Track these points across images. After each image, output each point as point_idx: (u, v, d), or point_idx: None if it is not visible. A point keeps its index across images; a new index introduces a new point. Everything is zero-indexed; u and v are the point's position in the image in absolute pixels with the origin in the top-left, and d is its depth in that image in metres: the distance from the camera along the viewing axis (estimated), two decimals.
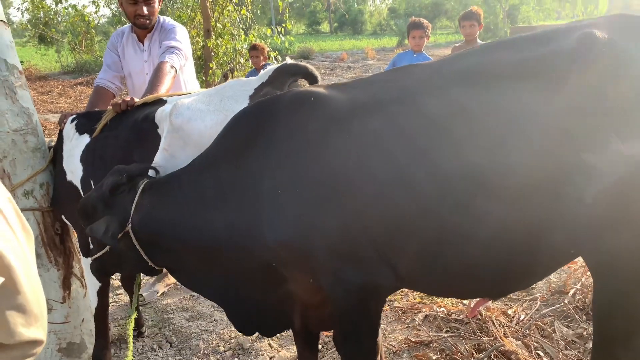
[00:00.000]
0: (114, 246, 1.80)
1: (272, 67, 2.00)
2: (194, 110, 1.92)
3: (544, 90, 1.45)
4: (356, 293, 1.64)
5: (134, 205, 1.80)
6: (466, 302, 3.02)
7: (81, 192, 2.30)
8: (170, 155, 1.96)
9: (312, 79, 1.99)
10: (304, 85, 1.99)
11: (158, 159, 1.99)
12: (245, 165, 1.68)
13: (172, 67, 2.63)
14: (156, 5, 2.90)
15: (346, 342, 1.76)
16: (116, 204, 1.82)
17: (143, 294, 3.44)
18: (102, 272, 2.12)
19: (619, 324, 1.56)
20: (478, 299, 2.01)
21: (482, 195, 1.46)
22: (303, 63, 2.05)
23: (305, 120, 1.63)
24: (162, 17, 3.05)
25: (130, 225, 1.80)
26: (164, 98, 2.23)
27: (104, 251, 1.91)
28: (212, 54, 7.49)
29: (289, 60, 2.12)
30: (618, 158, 1.39)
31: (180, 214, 1.77)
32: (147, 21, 2.90)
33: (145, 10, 2.84)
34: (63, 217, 2.50)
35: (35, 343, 0.75)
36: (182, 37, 2.89)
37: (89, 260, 2.47)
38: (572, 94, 1.42)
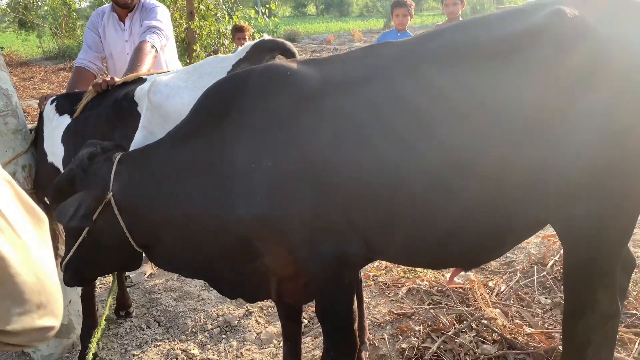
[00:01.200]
0: (89, 225, 1.72)
1: (250, 43, 2.01)
2: (172, 88, 1.93)
3: (514, 66, 1.48)
4: (329, 264, 1.68)
5: (112, 174, 1.76)
6: (448, 275, 3.09)
7: None
8: (150, 132, 1.97)
9: (290, 55, 2.00)
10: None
11: (138, 137, 2.00)
12: (219, 137, 1.69)
13: (152, 46, 2.62)
14: None
15: (323, 312, 1.82)
16: (93, 175, 1.78)
17: (130, 276, 3.46)
18: (77, 276, 1.93)
19: (586, 288, 1.63)
20: (454, 269, 2.07)
21: (452, 169, 1.50)
22: (280, 39, 2.05)
23: (278, 95, 1.65)
24: None
25: (111, 193, 1.76)
26: (144, 77, 2.23)
27: (78, 242, 1.80)
28: (196, 36, 7.42)
29: (266, 36, 2.13)
30: (582, 130, 1.43)
31: (159, 184, 1.77)
32: (129, 1, 2.88)
33: None
34: (45, 199, 2.50)
35: (44, 329, 0.73)
36: (163, 16, 2.88)
37: None
38: (542, 68, 1.46)
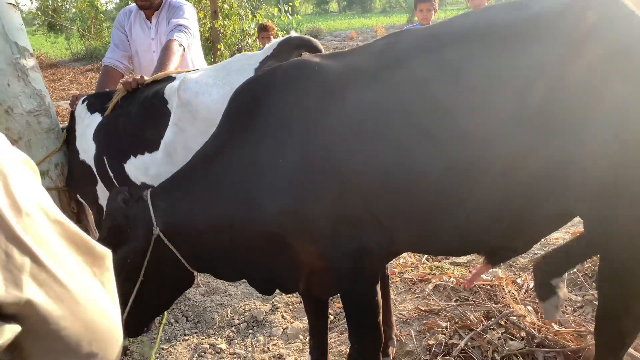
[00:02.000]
0: (144, 260, 1.74)
1: (277, 40, 2.02)
2: (201, 85, 1.96)
3: (538, 49, 1.44)
4: (353, 256, 1.68)
5: (151, 210, 1.78)
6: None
7: (94, 170, 2.36)
8: (180, 129, 2.00)
9: (317, 52, 2.02)
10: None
11: (168, 134, 2.04)
12: (249, 139, 1.71)
13: (180, 45, 2.66)
14: None
15: (348, 305, 1.83)
16: (134, 218, 1.79)
17: None
18: (142, 324, 1.93)
19: (620, 291, 1.57)
20: (478, 268, 2.04)
21: (475, 157, 1.48)
22: (307, 36, 2.07)
23: (302, 89, 1.66)
24: None
25: (157, 228, 1.78)
26: (173, 75, 2.27)
27: (136, 289, 1.79)
28: (220, 35, 7.49)
29: (293, 34, 2.14)
30: (606, 119, 1.37)
31: (200, 204, 1.78)
32: (148, 3, 2.93)
33: None
34: (78, 196, 2.57)
35: None
36: (189, 15, 2.91)
37: None
38: (567, 51, 1.42)
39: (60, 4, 14.52)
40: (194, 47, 3.11)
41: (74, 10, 15.50)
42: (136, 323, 1.89)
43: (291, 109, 1.67)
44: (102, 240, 1.80)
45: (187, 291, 3.35)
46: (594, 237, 1.58)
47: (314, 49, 2.01)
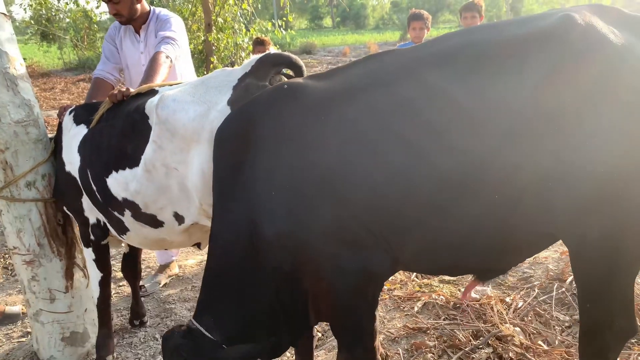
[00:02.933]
0: None
1: (255, 57, 2.01)
2: (178, 102, 1.94)
3: (522, 70, 1.46)
4: (354, 278, 1.66)
5: (205, 334, 1.80)
6: (463, 289, 3.04)
7: (79, 183, 2.33)
8: (159, 146, 1.98)
9: (296, 69, 2.00)
10: (284, 77, 2.00)
11: (148, 150, 2.02)
12: (243, 182, 1.71)
13: (167, 57, 2.65)
14: (127, 2, 2.90)
15: (344, 328, 1.78)
16: (194, 349, 1.80)
17: (145, 285, 3.47)
18: None
19: (602, 308, 1.58)
20: (469, 283, 2.04)
21: (462, 175, 1.48)
22: (286, 53, 2.06)
23: (285, 113, 1.67)
24: (156, 9, 3.08)
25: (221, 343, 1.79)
26: (157, 88, 2.25)
27: None
28: (214, 48, 7.52)
29: (272, 50, 2.14)
30: (591, 139, 1.39)
31: (235, 295, 1.80)
32: (122, 18, 2.95)
33: (114, 10, 2.89)
34: (64, 208, 2.53)
35: None
36: (177, 27, 2.91)
37: (90, 250, 2.52)
38: (550, 73, 1.43)
39: (54, 14, 14.51)
40: (183, 60, 3.11)
41: (67, 20, 15.50)
42: None
43: (278, 136, 1.66)
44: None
45: (173, 305, 3.31)
46: (574, 255, 1.59)
47: (293, 66, 2.00)
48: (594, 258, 1.53)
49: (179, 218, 2.12)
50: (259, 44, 5.52)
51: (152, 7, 3.06)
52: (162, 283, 3.60)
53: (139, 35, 3.06)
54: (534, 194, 1.48)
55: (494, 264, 1.74)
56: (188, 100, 1.95)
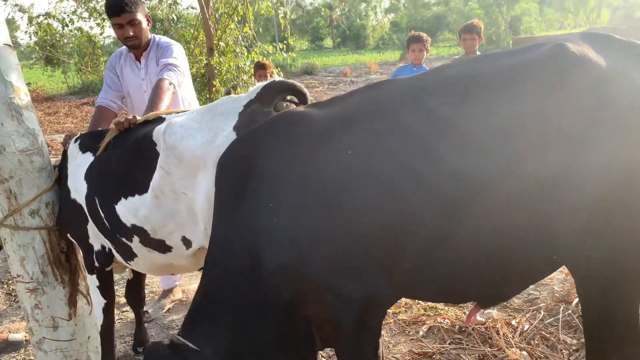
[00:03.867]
0: None
1: (260, 84, 2.05)
2: (186, 129, 1.97)
3: (518, 96, 1.48)
4: (357, 307, 1.65)
5: (195, 346, 1.77)
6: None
7: (85, 210, 2.34)
8: (166, 172, 2.00)
9: (300, 96, 2.03)
10: (288, 103, 2.03)
11: (156, 177, 2.03)
12: (245, 210, 1.71)
13: (170, 83, 2.68)
14: (143, 25, 2.96)
15: (349, 356, 1.77)
16: None
17: (148, 311, 3.46)
18: None
19: (608, 331, 1.57)
20: (472, 308, 2.03)
21: (466, 203, 1.49)
22: (291, 80, 2.09)
23: (286, 145, 1.69)
24: (156, 36, 3.12)
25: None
26: (163, 115, 2.28)
27: None
28: (215, 71, 7.60)
29: (277, 77, 2.17)
30: (587, 163, 1.41)
31: (225, 329, 1.79)
32: (137, 41, 2.97)
33: (131, 32, 2.91)
34: (68, 235, 2.54)
35: None
36: (178, 54, 2.95)
37: (94, 277, 2.52)
38: (545, 98, 1.46)
39: (58, 39, 14.72)
40: (185, 86, 3.15)
41: (71, 45, 15.72)
42: None
43: (280, 164, 1.67)
44: None
45: (176, 331, 3.28)
46: (578, 279, 1.59)
47: (298, 93, 2.03)
48: (598, 282, 1.53)
49: (187, 242, 2.13)
50: (260, 67, 5.59)
51: (152, 35, 3.11)
52: (166, 308, 3.58)
53: (140, 63, 3.10)
54: (535, 218, 1.48)
55: (497, 291, 1.73)
56: (195, 127, 1.97)
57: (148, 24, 3.03)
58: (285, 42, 8.45)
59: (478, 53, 4.70)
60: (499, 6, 32.27)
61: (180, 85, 2.89)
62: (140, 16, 2.93)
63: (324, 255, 1.59)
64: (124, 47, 3.15)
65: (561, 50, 1.49)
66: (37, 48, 16.12)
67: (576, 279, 1.60)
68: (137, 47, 3.02)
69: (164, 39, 3.12)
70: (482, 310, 3.01)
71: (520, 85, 1.49)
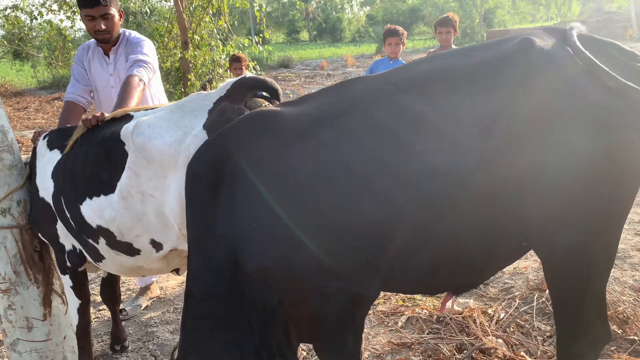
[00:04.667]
0: None
1: (231, 80, 2.00)
2: (154, 128, 1.93)
3: (488, 94, 1.51)
4: (341, 304, 1.65)
5: None
6: (447, 305, 3.07)
7: (53, 209, 2.29)
8: (135, 173, 1.96)
9: (272, 92, 2.00)
10: (260, 100, 1.99)
11: (124, 177, 1.99)
12: (221, 215, 1.69)
13: (140, 80, 2.62)
14: (115, 19, 2.88)
15: (330, 352, 1.76)
16: None
17: (126, 309, 3.41)
18: None
19: (575, 316, 1.63)
20: (445, 296, 2.07)
21: (443, 198, 1.51)
22: (262, 77, 2.07)
23: (261, 146, 1.66)
24: (127, 31, 3.05)
25: None
26: (132, 113, 2.23)
27: None
28: (190, 65, 7.50)
29: (247, 74, 2.15)
30: (554, 154, 1.46)
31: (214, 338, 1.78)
32: (107, 35, 2.89)
33: (103, 25, 2.82)
34: (40, 234, 2.48)
35: None
36: (149, 50, 2.89)
37: (67, 277, 2.48)
38: (514, 91, 1.49)
39: (26, 33, 14.31)
40: (155, 83, 3.09)
41: (41, 39, 15.32)
42: None
43: (255, 165, 1.64)
44: None
45: (155, 329, 3.26)
46: (546, 265, 1.65)
47: (269, 89, 2.00)
48: (565, 267, 1.59)
49: (157, 245, 2.09)
50: (235, 60, 5.54)
51: (122, 29, 3.03)
52: (143, 306, 3.54)
53: (108, 57, 3.02)
54: (510, 207, 1.52)
55: (473, 280, 1.77)
56: (164, 126, 1.93)
57: (120, 19, 2.95)
58: (261, 35, 8.37)
59: (453, 46, 4.74)
60: None
61: (150, 82, 2.84)
62: (114, 10, 2.85)
63: (306, 256, 1.58)
64: (92, 40, 3.06)
65: (528, 43, 1.53)
66: (4, 42, 15.65)
67: (544, 264, 1.64)
68: (107, 42, 2.95)
69: (134, 34, 3.05)
70: (459, 300, 3.06)
71: (492, 80, 1.52)
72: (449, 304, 2.98)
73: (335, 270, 1.60)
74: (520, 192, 1.49)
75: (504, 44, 1.59)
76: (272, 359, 1.80)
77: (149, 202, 1.98)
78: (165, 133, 1.91)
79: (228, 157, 1.69)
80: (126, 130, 2.01)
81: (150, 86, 2.95)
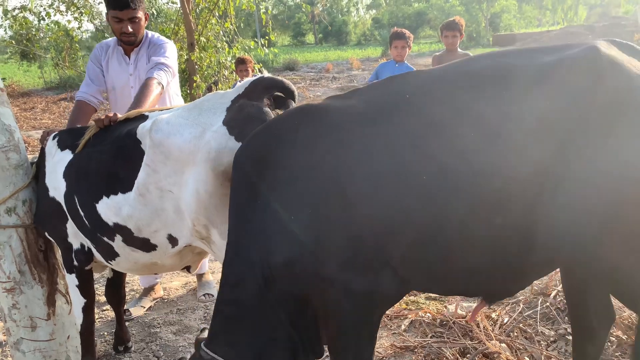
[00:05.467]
0: None
1: (249, 79, 2.03)
2: (172, 125, 1.95)
3: (549, 94, 1.49)
4: (362, 303, 1.65)
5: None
6: (451, 307, 3.06)
7: (64, 208, 2.30)
8: (153, 170, 1.98)
9: (288, 93, 2.02)
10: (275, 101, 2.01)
11: (141, 174, 2.01)
12: (259, 207, 1.68)
13: (159, 83, 2.62)
14: (142, 22, 2.89)
15: (345, 351, 1.76)
16: None
17: (129, 309, 3.42)
18: None
19: (592, 319, 1.63)
20: (476, 305, 2.04)
21: (485, 199, 1.49)
22: (279, 77, 2.08)
23: (306, 140, 1.65)
24: (150, 32, 3.05)
25: None
26: (146, 113, 2.25)
27: None
28: (196, 67, 7.52)
29: (265, 74, 2.16)
30: (614, 166, 1.43)
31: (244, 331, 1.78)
32: (133, 38, 2.90)
33: (130, 28, 2.84)
34: (46, 233, 2.50)
35: None
36: (171, 53, 2.90)
37: (73, 276, 2.49)
38: (578, 99, 1.47)
39: (34, 34, 14.42)
40: (173, 84, 3.11)
41: (48, 39, 15.42)
42: None
43: (298, 159, 1.64)
44: None
45: (158, 329, 3.26)
46: (579, 279, 1.67)
47: (286, 90, 2.02)
48: (598, 279, 1.62)
49: (173, 240, 2.11)
50: (240, 62, 5.58)
51: (146, 31, 3.03)
52: (147, 306, 3.55)
53: (129, 58, 3.03)
54: (548, 218, 1.49)
55: (508, 287, 1.75)
56: (182, 123, 1.95)
57: (145, 21, 2.96)
58: (266, 37, 8.40)
59: (459, 50, 4.74)
60: (479, 3, 32.59)
61: (169, 85, 2.85)
62: (141, 13, 2.86)
63: (335, 249, 1.58)
64: (112, 39, 3.07)
65: (596, 51, 1.51)
66: (12, 42, 15.76)
67: (563, 271, 1.64)
68: (131, 44, 2.96)
69: (157, 35, 3.05)
70: (462, 303, 3.05)
71: (555, 83, 1.49)
72: (452, 307, 2.97)
73: (361, 266, 1.59)
74: (571, 198, 1.46)
75: (568, 49, 1.57)
76: (301, 353, 1.80)
77: (167, 197, 2.00)
78: (184, 130, 1.93)
79: (272, 149, 1.68)
80: (143, 129, 2.04)
81: (169, 88, 2.96)
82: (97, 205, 2.16)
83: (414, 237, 1.55)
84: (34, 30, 13.97)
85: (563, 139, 1.45)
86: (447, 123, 1.53)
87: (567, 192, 1.45)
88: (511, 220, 1.50)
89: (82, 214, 2.23)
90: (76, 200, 2.23)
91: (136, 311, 3.46)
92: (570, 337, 2.63)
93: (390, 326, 2.99)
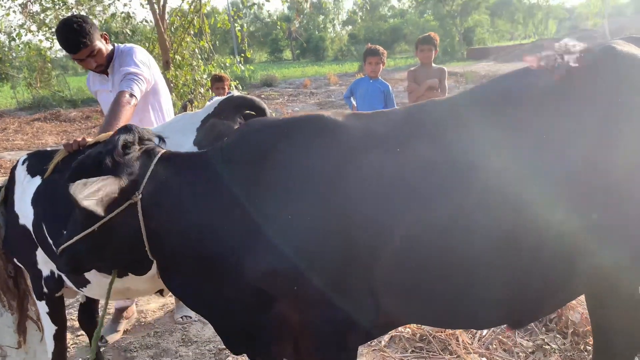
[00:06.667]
0: (101, 214, 1.52)
1: (218, 98, 2.03)
2: None
3: (574, 104, 1.44)
4: (339, 329, 1.62)
5: (148, 173, 1.58)
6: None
7: (34, 236, 2.24)
8: None
9: (260, 111, 2.01)
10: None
11: None
12: (257, 183, 1.60)
13: (131, 95, 2.55)
14: (102, 50, 2.83)
15: None
16: (125, 166, 1.57)
17: (105, 337, 3.33)
18: (73, 264, 1.71)
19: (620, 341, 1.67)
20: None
21: (503, 232, 1.44)
22: (250, 95, 2.08)
23: (318, 147, 1.60)
24: (119, 45, 2.99)
25: (140, 196, 1.57)
26: None
27: (86, 232, 1.59)
28: (172, 85, 7.49)
29: (235, 93, 2.16)
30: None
31: (195, 202, 1.62)
32: (102, 67, 2.88)
33: (94, 63, 2.82)
34: (15, 259, 2.43)
35: None
36: (138, 58, 2.82)
37: (43, 303, 2.41)
38: (603, 102, 1.42)
39: (5, 53, 14.19)
40: (163, 95, 3.07)
41: (20, 59, 15.19)
42: (67, 260, 1.70)
43: (306, 164, 1.58)
44: (75, 163, 1.62)
45: (135, 354, 3.19)
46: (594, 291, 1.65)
47: (257, 109, 2.01)
48: (611, 294, 1.62)
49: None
50: (217, 80, 5.55)
51: (115, 45, 2.97)
52: (122, 330, 3.46)
53: (107, 75, 3.00)
54: (576, 248, 1.45)
55: (533, 314, 1.74)
56: None
57: (107, 42, 2.91)
58: (243, 54, 8.43)
59: (434, 65, 4.81)
60: (452, 18, 33.28)
61: (146, 93, 2.79)
62: (98, 43, 2.79)
63: (324, 271, 1.53)
64: None
65: (613, 51, 1.48)
66: None
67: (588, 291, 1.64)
68: (104, 71, 2.93)
69: (125, 44, 3.00)
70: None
71: (582, 89, 1.45)
72: None
73: (343, 290, 1.55)
74: (570, 217, 1.41)
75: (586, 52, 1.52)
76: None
77: None
78: None
79: (283, 146, 1.62)
80: None
81: (151, 95, 2.93)
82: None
83: (418, 268, 1.50)
84: (5, 50, 13.75)
85: (596, 147, 1.40)
86: (459, 156, 1.49)
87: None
88: (542, 258, 1.46)
89: (50, 242, 2.17)
90: (44, 228, 2.17)
91: (113, 338, 3.37)
92: (547, 347, 2.65)
93: (371, 342, 2.97)
